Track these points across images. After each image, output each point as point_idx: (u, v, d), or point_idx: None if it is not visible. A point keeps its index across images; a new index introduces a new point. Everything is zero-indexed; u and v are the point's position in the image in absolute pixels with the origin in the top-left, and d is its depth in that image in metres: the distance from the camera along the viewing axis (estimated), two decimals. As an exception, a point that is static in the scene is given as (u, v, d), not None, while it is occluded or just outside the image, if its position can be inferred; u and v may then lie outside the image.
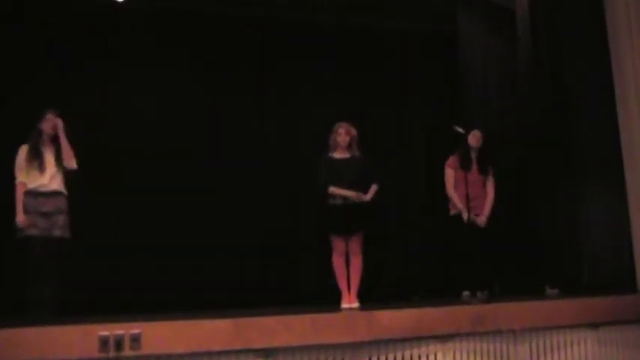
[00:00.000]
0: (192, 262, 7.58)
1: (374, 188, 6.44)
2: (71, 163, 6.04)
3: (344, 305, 6.20)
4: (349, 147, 6.48)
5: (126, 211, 7.49)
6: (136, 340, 4.64)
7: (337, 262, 6.33)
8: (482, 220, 6.72)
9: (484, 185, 6.87)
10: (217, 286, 7.56)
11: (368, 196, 6.39)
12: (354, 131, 6.50)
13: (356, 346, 5.10)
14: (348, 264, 6.33)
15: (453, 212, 6.83)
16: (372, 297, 6.66)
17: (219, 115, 8.10)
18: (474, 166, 6.80)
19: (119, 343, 4.61)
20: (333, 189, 6.35)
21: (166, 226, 7.56)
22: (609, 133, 6.62)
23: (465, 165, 6.75)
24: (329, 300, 6.43)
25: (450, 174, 6.87)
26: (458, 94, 8.48)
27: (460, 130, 6.65)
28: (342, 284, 6.33)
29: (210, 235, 7.69)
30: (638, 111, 6.29)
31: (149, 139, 7.70)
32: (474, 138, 6.84)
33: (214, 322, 4.89)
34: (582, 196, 7.17)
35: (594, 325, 5.68)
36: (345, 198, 6.33)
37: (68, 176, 6.07)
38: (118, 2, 7.81)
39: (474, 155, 6.85)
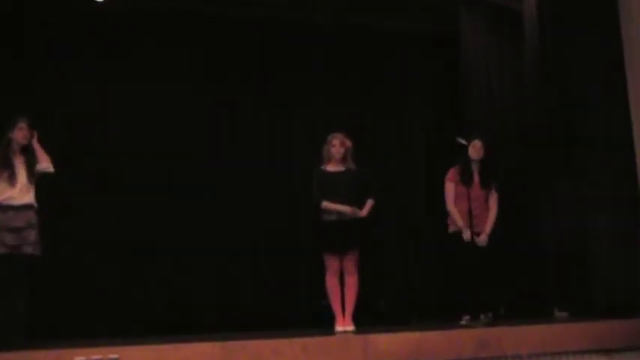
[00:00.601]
0: (175, 281, 7.50)
1: (370, 203, 6.34)
2: (48, 166, 5.84)
3: (338, 328, 6.08)
4: (344, 159, 6.38)
5: (104, 227, 7.39)
6: (114, 366, 4.52)
7: (331, 282, 6.20)
8: (482, 238, 6.48)
9: (487, 200, 6.70)
10: (202, 308, 7.47)
11: (364, 212, 6.29)
12: (348, 143, 6.41)
13: (350, 372, 4.97)
14: (342, 284, 6.21)
15: (452, 229, 6.65)
16: (368, 319, 6.53)
17: (209, 117, 8.12)
18: (476, 180, 6.61)
19: (95, 369, 4.50)
20: (326, 204, 6.23)
21: (147, 243, 7.49)
22: (620, 140, 6.51)
23: (465, 179, 6.58)
24: (322, 322, 6.33)
25: (450, 188, 6.68)
26: (459, 96, 8.42)
27: (463, 141, 6.52)
28: (336, 306, 6.20)
29: (194, 253, 7.62)
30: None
31: (136, 149, 7.70)
32: (474, 149, 6.64)
33: (198, 345, 4.79)
34: (592, 211, 7.04)
35: (606, 351, 5.52)
36: (339, 213, 6.21)
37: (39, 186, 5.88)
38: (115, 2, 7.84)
39: (475, 168, 6.65)
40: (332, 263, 6.20)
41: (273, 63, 8.36)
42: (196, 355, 4.69)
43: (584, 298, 6.94)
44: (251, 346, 4.84)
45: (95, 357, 4.49)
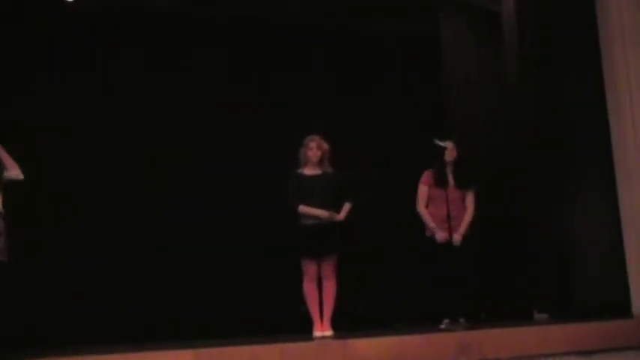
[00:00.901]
0: (150, 287, 7.42)
1: (347, 207, 6.34)
2: (17, 174, 5.77)
3: (316, 333, 6.08)
4: (321, 162, 6.38)
5: (74, 233, 7.36)
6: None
7: (308, 287, 6.20)
8: (457, 238, 6.48)
9: (464, 201, 6.71)
10: (178, 314, 7.40)
11: (341, 215, 6.29)
12: (326, 145, 6.40)
13: (330, 378, 4.94)
14: (320, 289, 6.19)
15: (429, 233, 6.67)
16: (347, 324, 6.52)
17: (200, 116, 8.22)
18: (451, 182, 6.62)
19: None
20: (303, 208, 6.22)
21: (120, 250, 7.48)
22: (603, 143, 6.55)
23: (440, 182, 6.59)
24: (300, 328, 6.31)
25: (422, 191, 6.68)
26: (439, 98, 8.48)
27: (441, 143, 6.54)
28: (314, 311, 6.20)
29: (169, 258, 7.57)
30: (632, 118, 6.23)
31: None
32: (447, 151, 6.67)
33: (174, 353, 4.72)
34: (572, 213, 7.10)
35: (587, 353, 5.53)
36: (316, 218, 6.20)
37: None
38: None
39: (450, 170, 6.67)
40: (309, 268, 6.19)
41: (249, 67, 8.38)
42: (169, 363, 4.63)
43: (564, 299, 7.00)
44: (228, 352, 4.77)
45: None
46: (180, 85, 8.12)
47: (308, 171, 6.39)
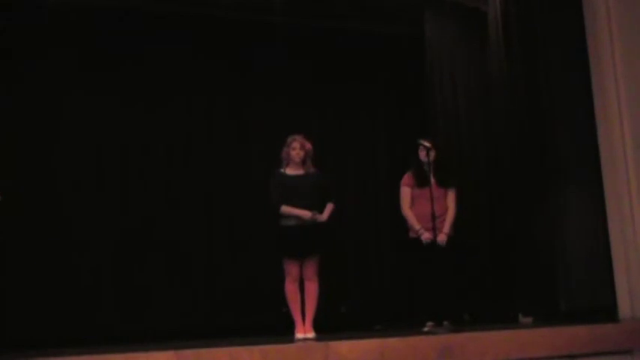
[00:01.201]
0: (127, 287, 7.38)
1: (330, 207, 6.36)
2: None
3: (298, 335, 6.09)
4: (303, 162, 6.39)
5: (49, 232, 7.29)
6: (61, 377, 4.41)
7: (290, 288, 6.20)
8: (442, 238, 6.50)
9: (445, 201, 6.72)
10: (155, 315, 7.36)
11: (324, 216, 6.29)
12: (309, 145, 6.42)
13: (311, 381, 4.92)
14: (302, 290, 6.19)
15: (412, 235, 6.67)
16: (329, 326, 6.51)
17: (178, 116, 8.18)
18: (432, 181, 6.63)
19: (42, 381, 4.39)
20: (285, 208, 6.22)
21: (94, 249, 7.43)
22: (589, 144, 6.56)
23: (421, 181, 6.62)
24: (282, 330, 6.34)
25: (405, 192, 6.72)
26: (424, 99, 8.49)
27: (426, 143, 6.55)
28: (296, 313, 6.20)
29: (144, 258, 7.53)
30: (620, 119, 6.24)
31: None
32: (422, 152, 6.68)
33: (151, 355, 4.66)
34: (558, 214, 7.10)
35: (572, 357, 5.53)
36: (298, 218, 6.20)
37: None
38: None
39: (429, 169, 6.67)
40: (291, 269, 6.19)
41: (226, 69, 8.36)
42: (149, 365, 4.60)
43: (550, 303, 7.00)
44: (207, 355, 4.74)
45: None
46: (160, 81, 8.10)
47: (290, 171, 6.40)
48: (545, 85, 7.16)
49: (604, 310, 6.33)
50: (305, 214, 6.21)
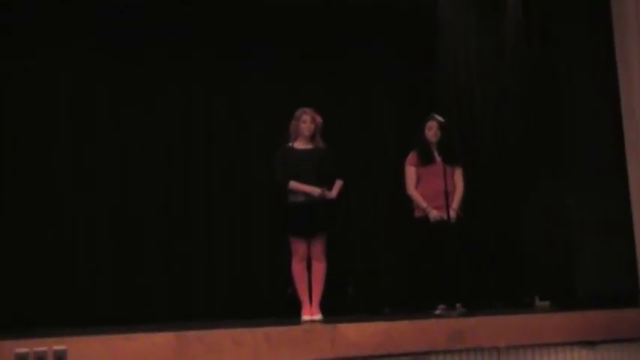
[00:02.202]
0: (128, 268, 7.41)
1: (339, 184, 6.36)
2: None
3: (305, 317, 6.11)
4: (313, 137, 6.38)
5: (46, 207, 7.29)
6: (60, 358, 4.47)
7: (297, 268, 6.23)
8: (452, 215, 6.46)
9: (453, 179, 6.73)
10: (157, 296, 7.39)
11: (333, 193, 6.31)
12: (319, 119, 6.42)
13: (317, 364, 4.97)
14: (309, 270, 6.24)
15: (418, 215, 6.69)
16: (336, 308, 6.57)
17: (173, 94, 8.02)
18: (438, 160, 6.66)
19: (39, 362, 4.43)
20: (293, 184, 6.24)
21: (92, 226, 7.42)
22: (608, 121, 6.57)
23: (426, 159, 6.64)
24: (287, 311, 6.37)
25: (410, 172, 6.71)
26: (435, 74, 8.46)
27: (440, 118, 6.57)
28: (303, 294, 6.23)
29: (148, 236, 7.54)
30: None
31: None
32: (430, 132, 6.67)
33: (153, 336, 4.75)
34: (575, 194, 7.12)
35: (591, 344, 5.61)
36: (306, 195, 6.22)
37: None
38: None
39: (434, 148, 6.70)
40: (298, 248, 6.21)
41: (228, 43, 8.14)
42: (149, 346, 4.66)
43: (568, 286, 7.02)
44: (209, 337, 4.81)
45: (40, 349, 4.43)
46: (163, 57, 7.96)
47: (299, 145, 6.38)
48: (563, 63, 7.16)
49: (624, 295, 6.35)
50: (314, 190, 6.21)
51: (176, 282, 7.49)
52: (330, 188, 6.29)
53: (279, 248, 6.41)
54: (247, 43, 8.09)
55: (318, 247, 6.20)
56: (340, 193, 6.36)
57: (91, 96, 7.64)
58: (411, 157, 6.72)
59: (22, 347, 4.43)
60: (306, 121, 6.32)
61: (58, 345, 4.49)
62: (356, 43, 8.40)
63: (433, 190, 6.48)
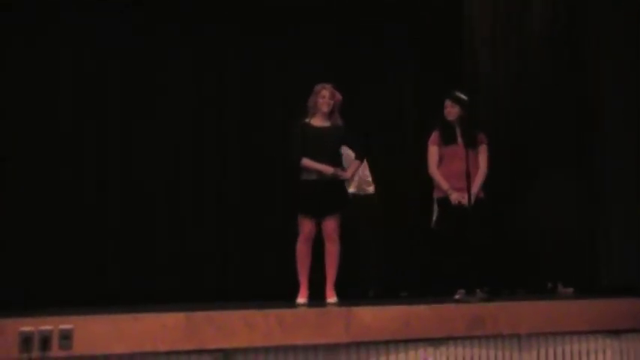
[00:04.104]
0: (137, 248, 7.46)
1: (356, 164, 6.38)
2: None
3: (299, 300, 6.11)
4: (332, 114, 6.36)
5: (54, 187, 7.34)
6: (66, 337, 4.51)
7: (300, 248, 6.21)
8: (471, 199, 6.35)
9: (476, 161, 6.70)
10: (167, 276, 7.44)
11: (348, 173, 6.32)
12: (339, 95, 6.40)
13: (331, 348, 5.02)
14: (322, 253, 6.24)
15: (438, 195, 6.68)
16: (352, 292, 6.58)
17: (185, 73, 8.06)
18: (460, 141, 6.62)
19: (45, 341, 4.47)
20: (306, 161, 6.23)
21: (101, 206, 7.48)
22: (635, 108, 6.54)
23: (448, 139, 6.61)
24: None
25: (432, 151, 6.68)
26: (460, 52, 8.50)
27: (463, 96, 6.54)
28: (302, 276, 6.23)
29: (157, 216, 7.61)
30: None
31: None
32: (446, 110, 6.65)
33: (162, 316, 4.78)
34: (599, 176, 7.10)
35: (615, 332, 5.62)
36: (320, 173, 6.21)
37: None
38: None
39: (458, 128, 6.67)
40: (305, 226, 6.19)
41: (246, 19, 8.22)
42: (159, 326, 4.70)
43: (592, 273, 7.03)
44: (220, 318, 4.84)
45: (45, 327, 4.47)
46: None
47: (316, 122, 6.36)
48: (590, 43, 7.13)
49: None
50: (327, 169, 6.20)
51: (187, 262, 7.54)
52: (345, 168, 6.29)
53: (295, 229, 6.37)
54: (272, 20, 8.17)
55: (330, 227, 6.18)
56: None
57: (102, 73, 7.68)
58: (434, 136, 6.71)
59: (27, 326, 4.47)
60: (325, 96, 6.30)
61: (64, 324, 4.53)
62: (379, 28, 8.39)
63: (454, 171, 6.46)
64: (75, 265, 7.13)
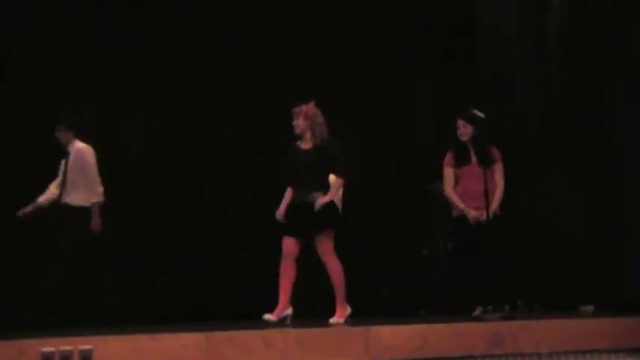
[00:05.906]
0: (156, 268, 7.56)
1: (338, 183, 6.44)
2: None
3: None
4: (312, 134, 6.35)
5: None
6: (86, 357, 4.57)
7: (282, 265, 6.30)
8: (490, 216, 6.43)
9: (493, 179, 6.78)
10: (185, 296, 7.53)
11: (326, 198, 6.27)
12: (311, 112, 6.35)
13: (350, 367, 5.07)
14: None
15: (456, 214, 6.77)
16: (369, 310, 6.63)
17: (192, 86, 8.23)
18: (474, 160, 6.72)
19: (66, 362, 4.56)
20: (288, 192, 6.43)
21: (119, 225, 7.56)
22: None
23: (461, 159, 6.70)
24: (318, 312, 6.42)
25: (447, 172, 6.78)
26: (472, 64, 8.56)
27: (479, 113, 6.62)
28: (281, 293, 6.27)
29: (176, 237, 7.74)
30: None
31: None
32: (458, 130, 6.75)
33: (181, 336, 4.86)
34: (620, 193, 7.13)
35: (637, 351, 5.57)
36: (303, 196, 6.32)
37: None
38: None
39: (470, 148, 6.76)
40: (286, 247, 6.29)
41: (248, 28, 8.38)
42: (178, 346, 4.76)
43: (613, 291, 7.04)
44: (239, 337, 4.89)
45: (65, 348, 4.53)
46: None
47: (302, 144, 6.42)
48: (606, 44, 7.17)
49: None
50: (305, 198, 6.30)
51: (205, 283, 7.62)
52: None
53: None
54: (282, 27, 8.33)
55: (319, 249, 6.23)
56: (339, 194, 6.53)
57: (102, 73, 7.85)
58: (448, 157, 6.79)
59: (48, 346, 4.53)
60: (293, 119, 6.38)
61: (84, 344, 4.59)
62: (392, 32, 8.47)
63: (470, 190, 6.54)
64: (92, 284, 7.20)
